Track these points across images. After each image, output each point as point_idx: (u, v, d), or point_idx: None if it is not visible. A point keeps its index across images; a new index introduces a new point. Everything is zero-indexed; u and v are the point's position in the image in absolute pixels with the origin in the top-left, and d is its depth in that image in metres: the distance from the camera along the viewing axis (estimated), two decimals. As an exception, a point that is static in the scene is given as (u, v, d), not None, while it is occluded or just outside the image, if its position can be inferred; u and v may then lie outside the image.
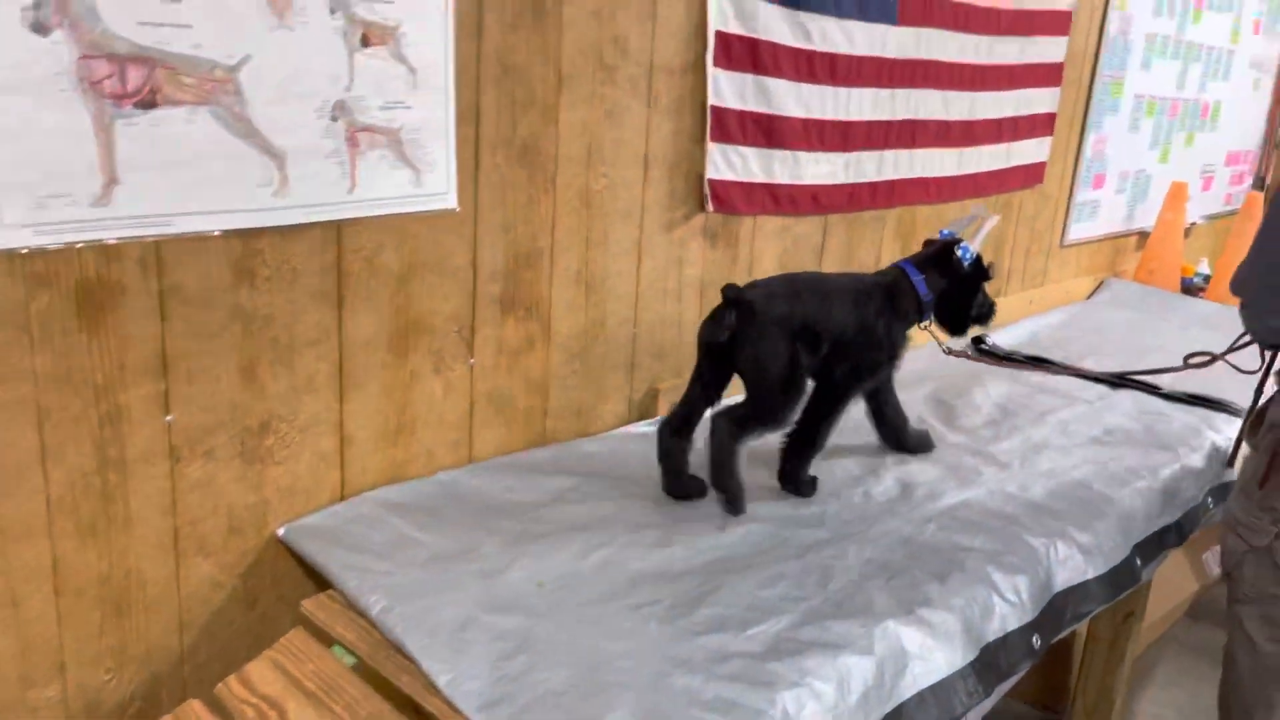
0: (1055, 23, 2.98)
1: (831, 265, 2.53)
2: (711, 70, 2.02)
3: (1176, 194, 3.61)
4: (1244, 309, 1.72)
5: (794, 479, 1.83)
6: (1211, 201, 4.31)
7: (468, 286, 1.76)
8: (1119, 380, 2.69)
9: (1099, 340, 3.12)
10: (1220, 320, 3.02)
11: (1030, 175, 3.13)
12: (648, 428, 2.10)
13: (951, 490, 1.91)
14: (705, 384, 1.76)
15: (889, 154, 2.56)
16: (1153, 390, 2.63)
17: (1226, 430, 2.40)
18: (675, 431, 1.77)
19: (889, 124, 2.52)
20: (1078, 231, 3.49)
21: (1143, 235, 3.85)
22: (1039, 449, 2.17)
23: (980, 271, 1.94)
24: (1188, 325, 3.34)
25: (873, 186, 2.54)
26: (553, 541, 1.60)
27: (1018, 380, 2.67)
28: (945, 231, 1.96)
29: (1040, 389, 2.62)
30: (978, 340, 2.94)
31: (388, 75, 1.54)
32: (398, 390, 1.71)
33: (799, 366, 1.73)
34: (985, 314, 2.00)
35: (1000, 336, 3.04)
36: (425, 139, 1.62)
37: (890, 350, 1.87)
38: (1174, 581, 2.57)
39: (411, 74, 1.57)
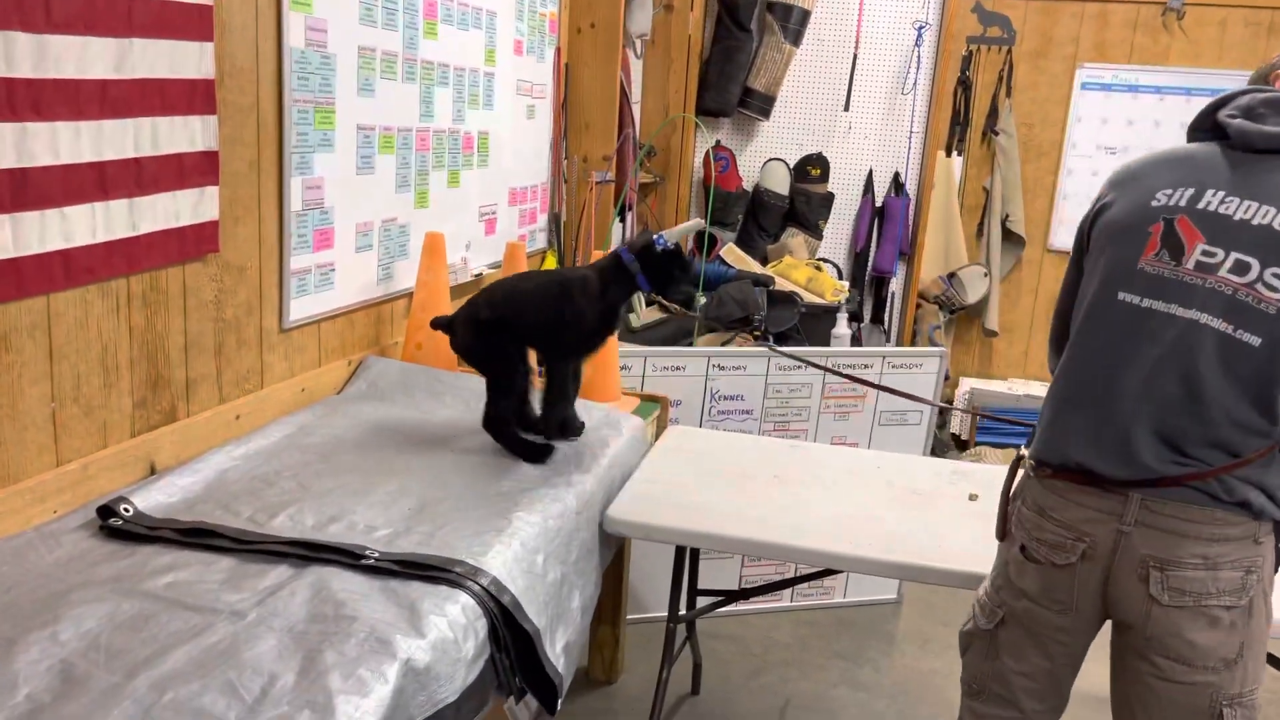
0: (179, 21, 2.01)
1: None
2: None
3: (432, 247, 2.91)
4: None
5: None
6: (500, 247, 3.76)
7: None
8: (309, 552, 1.80)
9: (325, 466, 2.24)
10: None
11: (191, 243, 2.14)
12: None
13: None
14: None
15: None
16: (354, 560, 1.79)
17: (456, 610, 1.61)
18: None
19: None
20: (306, 307, 2.60)
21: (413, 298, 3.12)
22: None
23: (673, 257, 2.33)
24: (467, 410, 2.63)
25: None
26: None
27: (138, 588, 1.64)
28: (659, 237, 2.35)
29: (172, 598, 1.62)
30: (105, 511, 1.87)
31: None
32: None
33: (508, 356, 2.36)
34: (686, 301, 2.77)
35: (168, 485, 2.00)
36: None
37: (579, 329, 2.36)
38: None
39: None
